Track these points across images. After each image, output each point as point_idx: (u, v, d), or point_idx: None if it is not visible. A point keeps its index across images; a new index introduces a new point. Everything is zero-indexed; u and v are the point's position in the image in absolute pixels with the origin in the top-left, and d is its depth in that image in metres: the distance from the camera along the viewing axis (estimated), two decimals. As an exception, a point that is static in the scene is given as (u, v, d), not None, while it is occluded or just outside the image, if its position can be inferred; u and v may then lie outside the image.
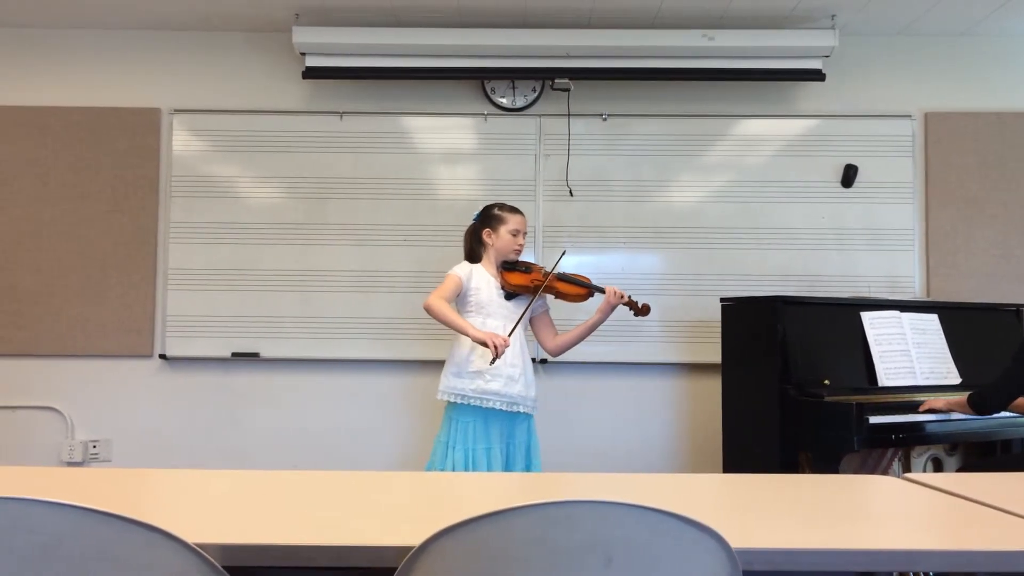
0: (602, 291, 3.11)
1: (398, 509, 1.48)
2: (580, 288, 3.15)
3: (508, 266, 3.15)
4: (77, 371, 4.16)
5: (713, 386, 3.77)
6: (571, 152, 4.15)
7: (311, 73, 4.03)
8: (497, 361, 2.89)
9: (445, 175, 4.18)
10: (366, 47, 3.99)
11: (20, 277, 4.15)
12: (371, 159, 4.18)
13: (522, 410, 3.05)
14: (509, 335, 2.97)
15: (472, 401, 3.00)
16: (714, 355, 3.74)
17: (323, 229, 4.15)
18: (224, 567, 1.11)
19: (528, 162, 4.18)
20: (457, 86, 4.20)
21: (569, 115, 4.15)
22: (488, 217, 3.17)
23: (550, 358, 4.07)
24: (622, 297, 3.08)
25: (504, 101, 4.19)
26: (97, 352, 4.15)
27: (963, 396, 3.02)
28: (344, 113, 4.19)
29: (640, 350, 4.11)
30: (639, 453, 4.13)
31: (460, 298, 3.10)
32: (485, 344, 2.86)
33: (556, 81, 4.06)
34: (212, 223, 4.16)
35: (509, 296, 3.11)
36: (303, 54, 4.02)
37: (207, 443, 4.13)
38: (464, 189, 4.15)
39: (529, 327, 3.23)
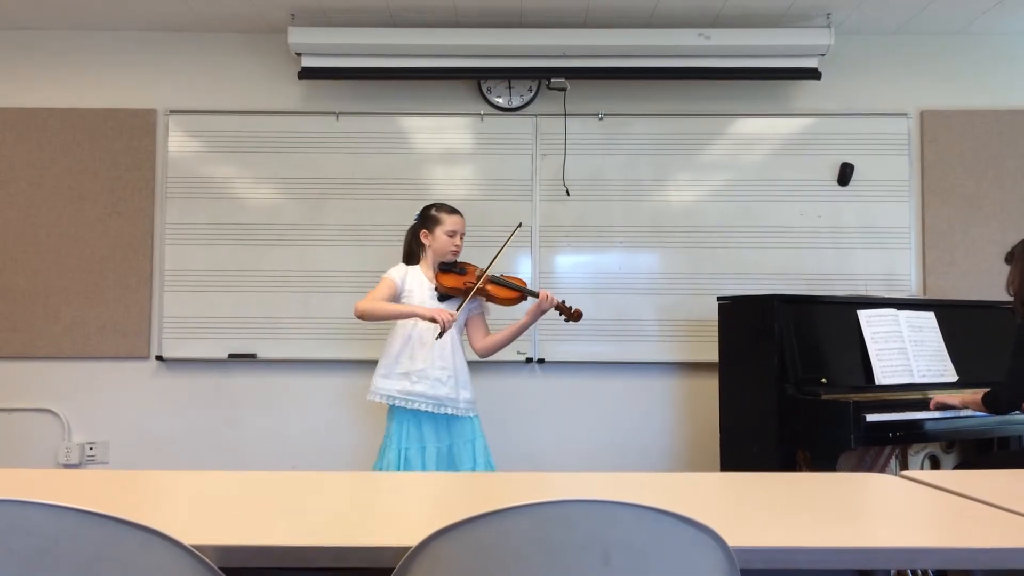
0: (535, 295, 3.13)
1: (395, 509, 1.48)
2: (512, 292, 3.16)
3: (444, 267, 3.15)
4: (74, 373, 4.15)
5: (711, 385, 3.78)
6: (568, 151, 4.15)
7: (307, 74, 4.03)
8: (434, 350, 2.98)
9: (442, 175, 4.18)
10: (362, 47, 3.99)
11: (16, 279, 4.14)
12: (368, 159, 4.17)
13: (451, 412, 3.04)
14: (457, 310, 3.02)
15: (399, 402, 3.02)
16: (712, 354, 3.74)
17: (320, 230, 4.15)
18: (221, 568, 1.11)
19: (525, 162, 4.18)
20: (453, 86, 4.20)
21: (565, 114, 4.15)
22: (425, 218, 3.18)
23: (547, 357, 4.08)
24: (553, 302, 3.09)
25: (500, 101, 4.19)
26: (94, 354, 4.14)
27: (977, 394, 3.01)
28: (340, 113, 4.18)
29: (638, 349, 4.11)
30: (637, 452, 4.13)
31: (393, 300, 3.12)
32: (434, 320, 2.91)
33: (552, 81, 4.06)
34: (208, 224, 4.15)
35: (443, 298, 3.11)
36: (299, 55, 4.01)
37: (204, 444, 4.13)
38: (461, 189, 4.15)
39: (464, 328, 3.23)
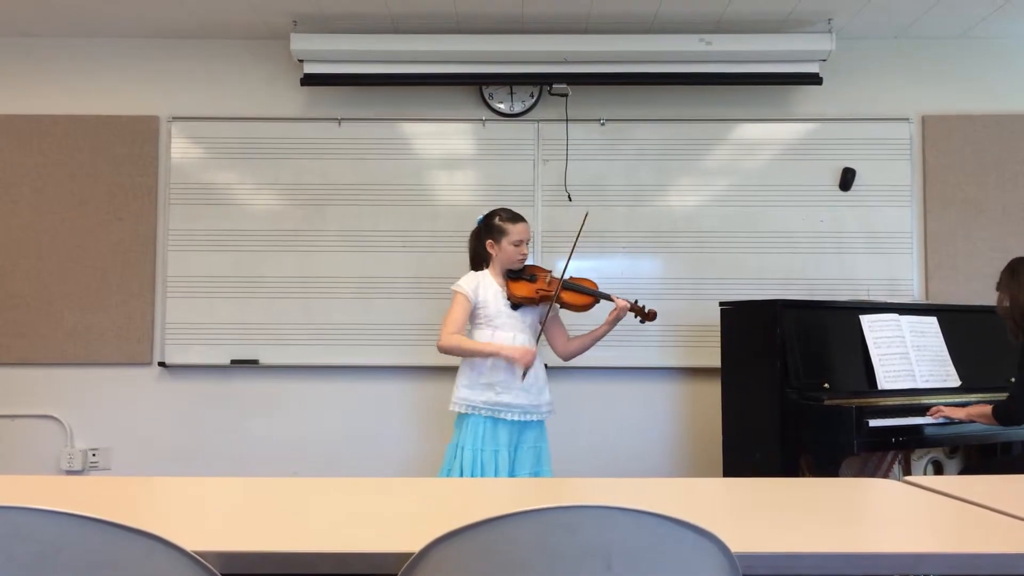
0: (608, 298, 3.13)
1: (398, 515, 1.48)
2: (586, 297, 3.14)
3: (513, 275, 3.13)
4: (76, 379, 4.16)
5: (713, 390, 3.77)
6: (569, 157, 4.16)
7: (309, 80, 4.04)
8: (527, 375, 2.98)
9: (444, 181, 4.19)
10: (364, 54, 3.99)
11: (19, 285, 4.15)
12: (370, 165, 4.18)
13: (534, 418, 3.06)
14: (541, 324, 3.07)
15: (483, 412, 3.01)
16: (714, 359, 3.74)
17: (322, 236, 4.15)
18: (223, 574, 1.10)
19: (527, 167, 4.18)
20: (455, 92, 4.21)
21: (567, 120, 4.16)
22: (490, 228, 3.13)
23: (549, 362, 4.08)
24: (626, 306, 3.09)
25: (502, 107, 4.19)
26: (96, 360, 4.14)
27: (986, 407, 3.01)
28: (343, 119, 4.19)
29: (640, 354, 4.10)
30: (639, 457, 4.12)
31: (470, 315, 3.09)
32: (517, 360, 2.95)
33: (554, 86, 4.06)
34: (211, 230, 4.16)
35: (515, 306, 3.10)
36: (301, 61, 4.02)
37: (206, 450, 4.13)
38: (463, 195, 4.15)
39: (541, 330, 3.21)
